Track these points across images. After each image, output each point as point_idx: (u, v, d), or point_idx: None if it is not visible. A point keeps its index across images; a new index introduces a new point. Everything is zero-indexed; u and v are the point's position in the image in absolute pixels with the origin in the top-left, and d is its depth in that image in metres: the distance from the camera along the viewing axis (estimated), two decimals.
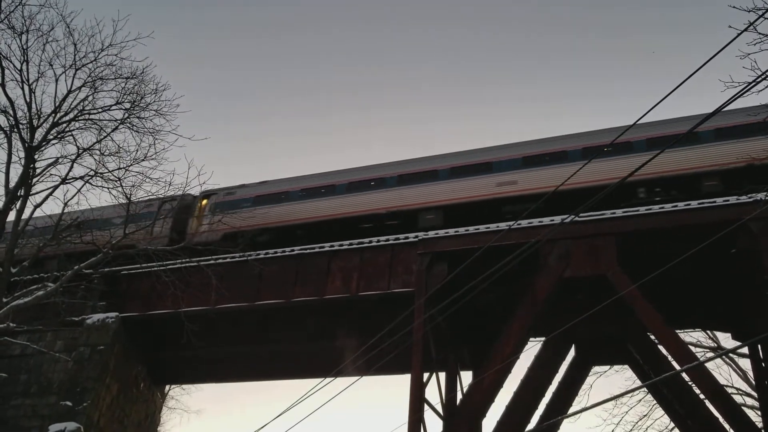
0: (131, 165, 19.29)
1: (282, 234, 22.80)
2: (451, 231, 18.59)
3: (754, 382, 21.06)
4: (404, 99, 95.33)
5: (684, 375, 16.86)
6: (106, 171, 19.20)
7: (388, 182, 22.12)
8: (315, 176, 24.04)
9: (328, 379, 14.71)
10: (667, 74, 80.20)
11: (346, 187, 22.70)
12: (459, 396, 19.01)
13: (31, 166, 18.57)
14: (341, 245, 20.01)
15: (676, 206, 16.67)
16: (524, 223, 17.35)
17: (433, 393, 17.71)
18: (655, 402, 22.09)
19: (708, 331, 24.45)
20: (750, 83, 8.69)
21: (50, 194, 18.85)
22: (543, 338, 18.62)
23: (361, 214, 21.87)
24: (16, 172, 18.59)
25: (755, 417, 19.84)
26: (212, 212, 23.87)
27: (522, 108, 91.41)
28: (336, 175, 23.55)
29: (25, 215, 18.50)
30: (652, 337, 17.60)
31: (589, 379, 22.10)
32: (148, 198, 21.75)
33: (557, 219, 17.00)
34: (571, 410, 19.47)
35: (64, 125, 19.26)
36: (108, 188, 19.22)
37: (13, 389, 20.35)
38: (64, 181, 18.91)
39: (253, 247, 21.73)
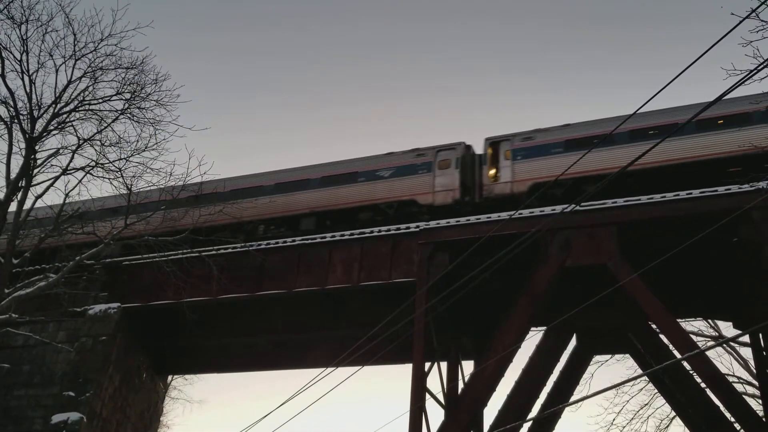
0: (132, 155, 19.30)
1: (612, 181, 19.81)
2: (452, 221, 18.59)
3: (755, 371, 21.10)
4: (404, 92, 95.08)
5: (685, 363, 16.88)
6: (107, 161, 19.21)
7: None
8: (648, 114, 18.90)
9: (329, 369, 14.75)
10: (671, 64, 79.84)
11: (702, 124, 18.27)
12: (460, 385, 19.05)
13: (32, 156, 18.54)
14: (342, 235, 20.01)
15: (677, 195, 16.63)
16: (525, 212, 17.35)
17: (434, 382, 17.77)
18: (656, 391, 22.14)
19: (709, 320, 24.45)
20: (752, 71, 8.61)
21: (51, 185, 18.84)
22: (544, 327, 18.64)
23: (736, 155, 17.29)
24: (17, 162, 18.61)
25: (756, 405, 19.87)
26: (512, 160, 20.93)
27: (518, 100, 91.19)
28: (685, 110, 18.79)
29: (27, 206, 18.50)
30: (653, 326, 17.62)
31: (590, 368, 22.18)
32: (415, 147, 21.79)
33: (558, 208, 16.99)
34: (573, 399, 19.52)
35: (65, 116, 19.23)
36: (109, 179, 19.23)
37: (15, 380, 20.44)
38: (65, 171, 18.89)
39: (548, 202, 18.89)
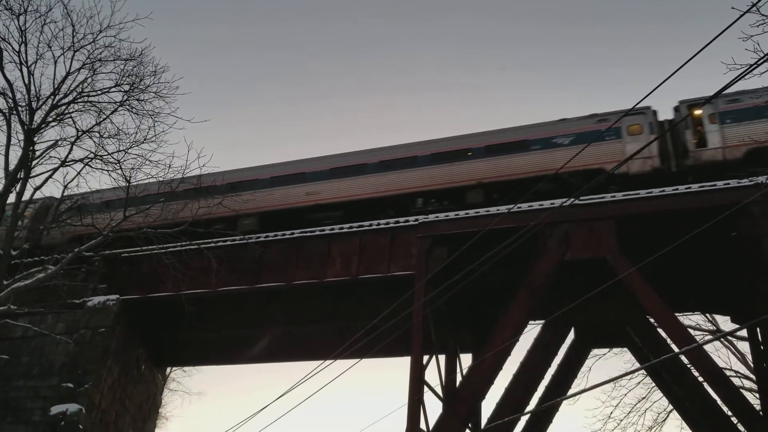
0: (131, 147, 19.29)
1: None
2: (451, 214, 18.58)
3: (752, 365, 21.14)
4: (401, 86, 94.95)
5: (683, 357, 16.92)
6: (106, 153, 19.21)
7: None
8: None
9: (328, 362, 14.78)
10: (671, 60, 79.65)
11: None
12: (459, 378, 19.09)
13: (31, 148, 18.53)
14: (341, 228, 19.99)
15: (676, 189, 16.65)
16: (524, 206, 17.34)
17: (432, 375, 17.80)
18: (653, 384, 22.20)
19: (707, 314, 24.50)
20: (752, 65, 8.63)
21: (50, 177, 18.85)
22: (542, 321, 18.66)
23: None
24: (15, 154, 18.61)
25: (753, 399, 19.92)
26: (720, 124, 19.18)
27: (518, 96, 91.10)
28: None
29: (25, 197, 18.49)
30: (652, 320, 17.64)
31: (588, 362, 22.24)
32: (593, 113, 20.61)
33: (557, 202, 16.98)
34: (570, 392, 19.57)
35: (64, 107, 19.22)
36: (108, 171, 19.21)
37: (14, 371, 20.47)
38: (63, 163, 18.89)
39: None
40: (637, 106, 9.46)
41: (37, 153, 18.83)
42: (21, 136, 18.60)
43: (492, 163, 20.93)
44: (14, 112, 18.60)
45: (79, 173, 19.06)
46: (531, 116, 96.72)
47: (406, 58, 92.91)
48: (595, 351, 22.98)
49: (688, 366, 17.41)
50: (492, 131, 22.02)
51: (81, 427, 18.93)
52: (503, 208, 17.61)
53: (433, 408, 17.34)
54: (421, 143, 22.54)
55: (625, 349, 20.86)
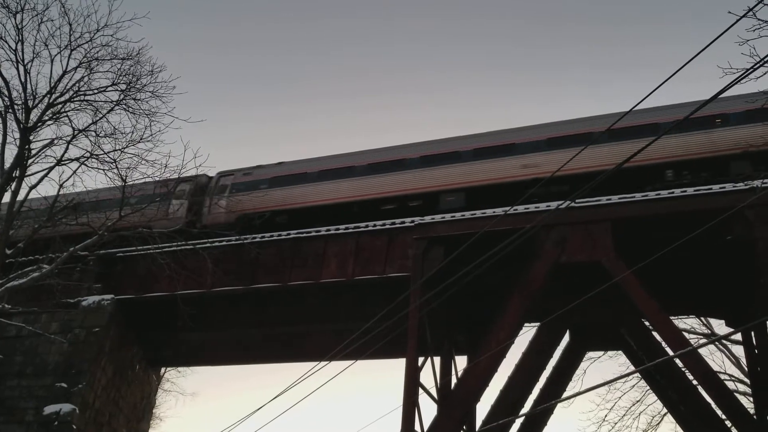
0: (127, 147, 19.24)
1: None
2: (448, 216, 18.59)
3: (746, 369, 21.21)
4: (400, 86, 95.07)
5: (677, 361, 16.96)
6: (102, 152, 19.15)
7: None
8: None
9: (322, 363, 14.76)
10: (669, 62, 79.93)
11: None
12: (453, 380, 19.09)
13: (27, 147, 18.50)
14: (337, 229, 19.99)
15: (672, 193, 16.68)
16: (521, 208, 17.34)
17: (427, 377, 17.80)
18: (648, 388, 22.26)
19: (702, 318, 24.57)
20: (748, 69, 8.65)
21: (45, 175, 18.85)
22: (538, 323, 18.68)
23: None
24: (11, 152, 18.55)
25: (747, 403, 19.97)
26: None
27: (513, 96, 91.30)
28: None
29: (21, 196, 18.46)
30: (647, 323, 17.68)
31: (583, 365, 22.26)
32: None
33: (553, 205, 17.00)
34: (565, 395, 19.58)
35: (60, 106, 19.19)
36: (104, 170, 19.18)
37: (8, 370, 20.41)
38: (59, 162, 18.85)
39: None
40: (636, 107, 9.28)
41: (33, 152, 18.80)
42: (17, 135, 18.59)
43: (758, 130, 17.58)
44: (10, 110, 18.58)
45: (74, 172, 19.03)
46: (529, 116, 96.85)
47: (406, 57, 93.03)
48: (590, 354, 23.00)
49: (683, 369, 17.48)
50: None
51: (74, 427, 18.88)
52: (500, 210, 17.63)
53: (428, 410, 17.35)
54: (660, 108, 19.36)
55: (620, 352, 20.93)
